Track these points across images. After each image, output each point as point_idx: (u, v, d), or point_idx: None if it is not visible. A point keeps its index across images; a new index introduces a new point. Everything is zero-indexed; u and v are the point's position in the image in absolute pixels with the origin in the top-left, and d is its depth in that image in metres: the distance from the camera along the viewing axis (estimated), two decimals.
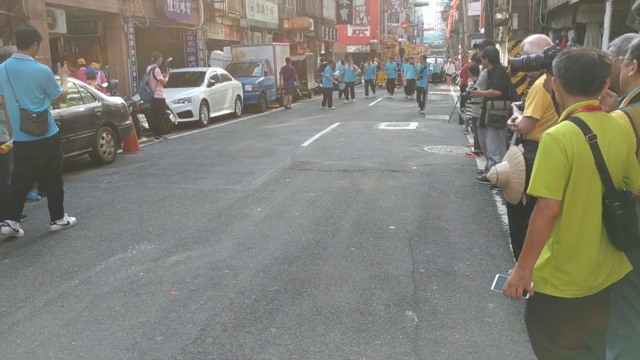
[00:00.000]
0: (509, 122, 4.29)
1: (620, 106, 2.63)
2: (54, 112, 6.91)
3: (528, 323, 2.51)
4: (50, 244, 5.42)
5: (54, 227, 5.86)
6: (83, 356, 3.33)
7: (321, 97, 21.86)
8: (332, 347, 3.40)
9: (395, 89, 28.14)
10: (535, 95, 3.92)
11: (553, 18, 15.86)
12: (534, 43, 4.13)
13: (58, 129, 5.90)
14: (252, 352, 3.35)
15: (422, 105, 18.57)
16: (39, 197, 7.26)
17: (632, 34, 2.88)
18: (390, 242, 5.35)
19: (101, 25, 16.44)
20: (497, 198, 6.84)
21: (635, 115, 2.53)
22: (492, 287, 2.48)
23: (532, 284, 2.32)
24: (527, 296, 2.34)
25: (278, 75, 21.40)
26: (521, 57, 3.81)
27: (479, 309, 3.92)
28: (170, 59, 13.53)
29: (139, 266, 4.78)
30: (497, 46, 26.91)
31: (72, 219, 6.03)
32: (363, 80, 28.54)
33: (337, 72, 23.80)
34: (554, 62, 2.41)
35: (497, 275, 2.49)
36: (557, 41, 15.72)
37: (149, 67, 12.72)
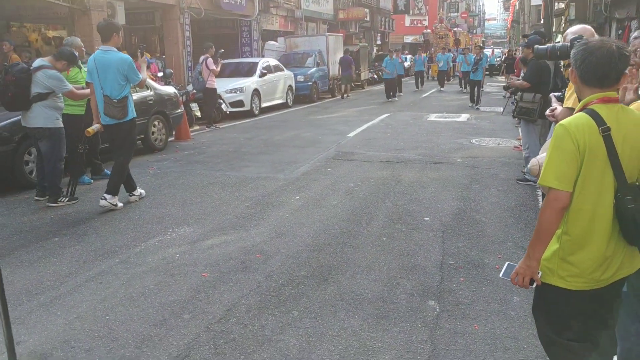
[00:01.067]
0: (547, 112, 4.21)
1: None
2: None
3: (535, 314, 2.51)
4: (97, 225, 5.72)
5: (102, 202, 6.22)
6: (115, 330, 3.54)
7: (376, 87, 21.70)
8: (350, 332, 3.47)
9: (450, 82, 27.58)
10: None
11: (616, 7, 15.22)
12: (576, 33, 4.02)
13: (135, 114, 6.49)
14: (272, 333, 3.47)
15: (475, 99, 17.26)
16: (92, 180, 7.65)
17: None
18: (423, 233, 5.35)
19: (158, 17, 16.96)
20: (539, 192, 6.69)
21: None
22: (501, 275, 2.50)
23: (540, 273, 2.32)
24: (534, 285, 2.35)
25: (337, 65, 21.51)
26: (547, 45, 3.73)
27: (504, 301, 3.89)
28: (222, 50, 13.84)
29: (176, 248, 4.99)
30: (559, 37, 25.99)
31: (142, 191, 6.78)
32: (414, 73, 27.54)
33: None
34: (572, 53, 2.38)
35: (506, 263, 2.50)
36: (620, 32, 15.08)
37: (202, 57, 13.05)
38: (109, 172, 7.85)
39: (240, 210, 6.20)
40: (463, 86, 22.84)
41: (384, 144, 10.45)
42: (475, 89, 17.34)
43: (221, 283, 4.23)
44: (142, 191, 6.79)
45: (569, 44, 3.51)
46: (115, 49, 6.23)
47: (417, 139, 11.01)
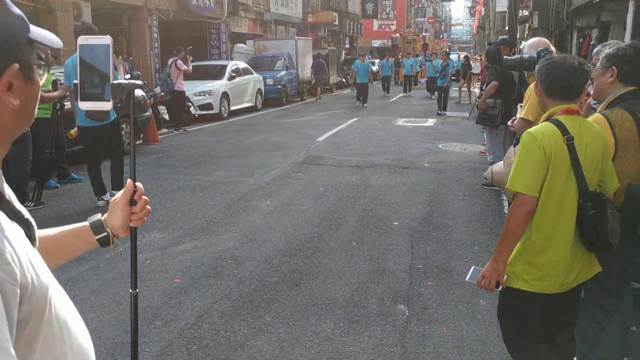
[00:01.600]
0: (509, 123, 4.35)
1: (598, 110, 2.70)
2: (68, 104, 7.26)
3: (500, 317, 2.61)
4: None
5: (113, 198, 6.18)
6: None
7: (344, 91, 21.76)
8: (322, 337, 3.53)
9: (417, 86, 27.85)
10: (530, 98, 3.99)
11: (577, 16, 15.67)
12: (533, 46, 4.18)
13: (116, 116, 6.61)
14: (244, 339, 3.50)
15: (442, 106, 16.94)
16: (58, 185, 7.53)
17: (612, 41, 2.94)
18: (392, 238, 5.45)
19: (126, 18, 16.75)
20: (504, 197, 6.88)
21: (614, 118, 2.60)
22: (467, 279, 2.59)
23: (505, 277, 2.42)
24: (500, 288, 2.44)
25: (307, 69, 21.60)
26: (515, 56, 3.88)
27: (471, 305, 4.01)
28: (191, 47, 13.77)
29: (146, 254, 4.97)
30: (523, 43, 26.63)
31: (112, 194, 6.63)
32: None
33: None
34: (536, 68, 2.51)
35: (472, 267, 2.60)
36: (580, 40, 15.54)
37: (171, 59, 12.96)
38: (75, 176, 7.82)
39: (211, 215, 6.20)
40: (430, 92, 22.69)
41: (353, 149, 10.56)
42: (442, 96, 17.21)
43: (193, 289, 4.24)
44: (113, 194, 6.72)
45: (535, 55, 3.67)
46: None
47: (385, 144, 11.15)
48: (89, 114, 6.11)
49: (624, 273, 2.78)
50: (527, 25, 25.13)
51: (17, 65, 0.91)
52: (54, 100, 6.72)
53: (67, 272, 4.54)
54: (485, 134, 7.55)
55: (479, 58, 32.90)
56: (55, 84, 6.83)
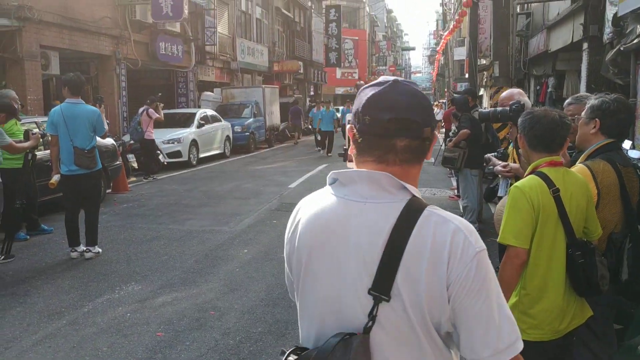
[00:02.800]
0: (499, 169, 4.34)
1: (579, 161, 2.85)
2: (40, 154, 7.22)
3: None
4: (38, 284, 5.49)
5: (88, 254, 6.33)
6: None
7: (310, 137, 21.78)
8: None
9: None
10: None
11: (534, 65, 16.42)
12: (506, 98, 4.38)
13: (102, 165, 6.68)
14: None
15: None
16: (27, 236, 7.33)
17: (584, 94, 3.13)
18: None
19: (94, 67, 16.73)
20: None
21: (596, 168, 2.74)
22: None
23: None
24: None
25: (274, 116, 21.83)
26: (488, 109, 4.06)
27: None
28: (160, 94, 13.86)
29: (126, 307, 4.87)
30: (482, 90, 27.57)
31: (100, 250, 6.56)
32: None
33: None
34: (519, 121, 2.64)
35: None
36: (538, 87, 16.25)
37: (142, 108, 12.99)
38: (45, 227, 7.64)
39: (189, 265, 6.13)
40: None
41: None
42: None
43: (177, 342, 4.16)
44: (89, 249, 6.52)
45: (508, 108, 3.85)
46: (83, 102, 6.44)
47: None
48: (79, 161, 6.14)
49: (609, 316, 2.88)
50: (485, 73, 26.14)
51: None
52: (26, 151, 6.62)
53: (45, 328, 4.41)
54: (458, 178, 7.76)
55: (440, 105, 33.76)
56: (27, 134, 6.75)
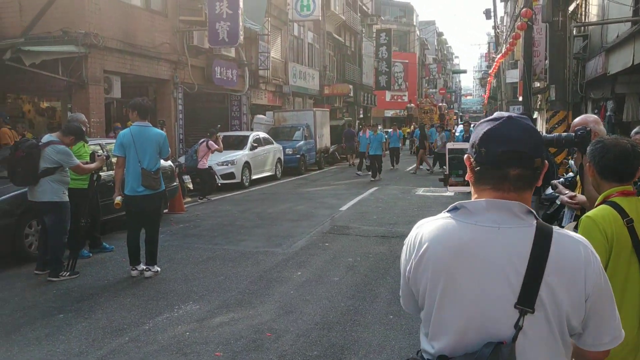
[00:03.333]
0: (565, 199, 4.21)
1: None
2: (104, 174, 7.54)
3: None
4: (101, 301, 5.69)
5: (148, 273, 6.53)
6: None
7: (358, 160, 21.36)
8: None
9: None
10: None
11: (592, 88, 16.02)
12: (580, 124, 4.27)
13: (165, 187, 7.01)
14: None
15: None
16: (90, 254, 7.62)
17: None
18: None
19: (152, 90, 17.37)
20: None
21: None
22: None
23: None
24: None
25: (325, 138, 22.10)
26: (552, 134, 3.99)
27: None
28: (219, 125, 14.33)
29: (185, 326, 4.98)
30: (536, 114, 27.01)
31: (159, 269, 6.73)
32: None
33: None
34: (588, 150, 2.60)
35: None
36: (596, 111, 15.81)
37: (202, 140, 13.53)
38: (107, 246, 7.91)
39: (244, 286, 6.23)
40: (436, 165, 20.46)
41: (377, 218, 10.63)
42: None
43: None
44: (149, 269, 6.66)
45: (573, 134, 3.78)
46: (151, 125, 6.73)
47: (408, 213, 11.21)
48: (146, 182, 6.37)
49: None
50: (539, 96, 25.65)
51: None
52: (92, 172, 6.93)
53: (109, 344, 4.56)
54: None
55: None
56: (93, 156, 7.08)
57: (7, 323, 5.06)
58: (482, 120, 1.56)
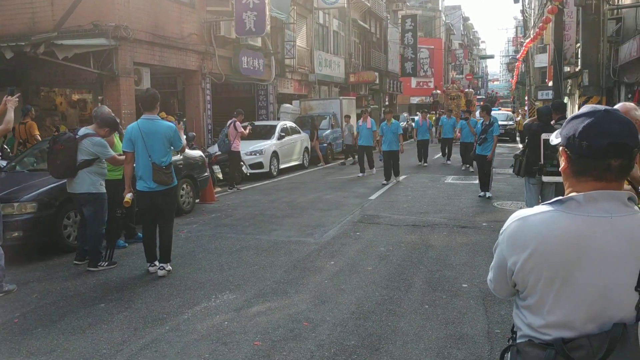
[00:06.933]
0: None
1: None
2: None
3: None
4: (140, 291, 5.81)
5: (161, 272, 6.30)
6: None
7: None
8: None
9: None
10: None
11: (625, 73, 15.66)
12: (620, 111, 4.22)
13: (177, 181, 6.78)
14: None
15: (485, 185, 11.72)
16: (126, 244, 7.77)
17: None
18: (464, 300, 5.41)
19: (180, 81, 17.54)
20: None
21: None
22: None
23: None
24: None
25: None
26: None
27: None
28: (241, 110, 14.37)
29: (222, 315, 5.06)
30: (566, 99, 26.48)
31: (170, 268, 6.47)
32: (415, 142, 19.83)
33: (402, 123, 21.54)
34: None
35: None
36: (629, 95, 15.46)
37: (230, 121, 13.48)
38: (141, 235, 8.01)
39: (279, 275, 6.29)
40: (468, 163, 17.08)
41: (407, 207, 10.60)
42: (485, 169, 11.67)
43: (275, 352, 4.28)
44: (162, 267, 6.42)
45: None
46: (159, 117, 6.53)
47: (438, 202, 11.15)
48: (157, 177, 6.20)
49: None
50: (571, 81, 25.14)
51: None
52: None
53: (150, 333, 4.66)
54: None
55: (522, 114, 32.00)
56: None
57: (52, 312, 5.21)
58: (575, 114, 1.63)
